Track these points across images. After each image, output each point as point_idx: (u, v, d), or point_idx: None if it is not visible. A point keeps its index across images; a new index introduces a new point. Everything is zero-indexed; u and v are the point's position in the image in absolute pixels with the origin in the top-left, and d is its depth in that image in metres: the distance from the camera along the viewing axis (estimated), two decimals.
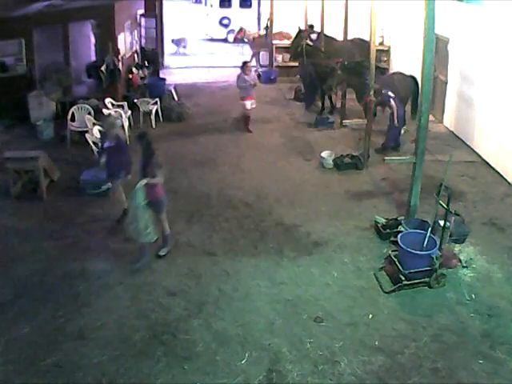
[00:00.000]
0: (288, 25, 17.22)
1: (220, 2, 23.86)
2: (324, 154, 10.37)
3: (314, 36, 15.23)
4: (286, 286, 6.64)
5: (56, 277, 6.78)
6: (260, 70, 18.14)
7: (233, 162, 10.62)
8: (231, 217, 8.37)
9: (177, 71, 19.20)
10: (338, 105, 12.99)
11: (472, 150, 10.87)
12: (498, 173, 9.81)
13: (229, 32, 18.66)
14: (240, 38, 18.20)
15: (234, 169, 10.28)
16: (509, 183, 9.45)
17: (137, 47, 16.55)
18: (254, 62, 18.05)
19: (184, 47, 20.56)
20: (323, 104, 13.48)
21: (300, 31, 15.72)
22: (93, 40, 13.98)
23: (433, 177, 9.20)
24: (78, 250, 7.43)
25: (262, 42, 18.74)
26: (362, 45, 13.41)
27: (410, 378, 5.22)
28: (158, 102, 12.99)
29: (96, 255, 7.29)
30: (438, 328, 5.91)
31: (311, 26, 15.72)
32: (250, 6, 23.19)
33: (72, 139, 11.10)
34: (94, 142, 9.90)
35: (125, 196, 7.89)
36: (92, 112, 11.15)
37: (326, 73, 12.47)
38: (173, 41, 21.01)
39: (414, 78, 11.23)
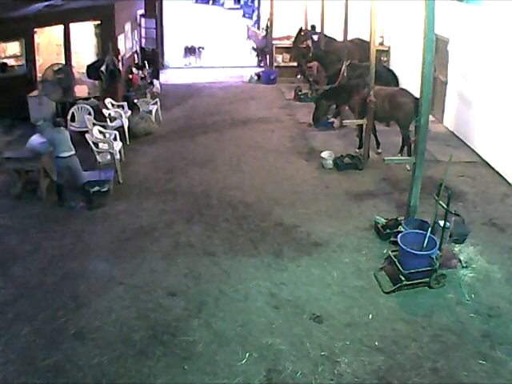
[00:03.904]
0: (288, 25, 17.22)
1: None
2: (324, 154, 10.36)
3: (315, 37, 15.25)
4: (286, 286, 6.63)
5: (56, 277, 6.78)
6: (261, 69, 18.17)
7: (233, 162, 10.62)
8: (231, 217, 8.37)
9: (177, 71, 19.22)
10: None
11: (472, 150, 10.87)
12: (498, 173, 9.80)
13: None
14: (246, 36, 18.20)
15: (234, 169, 10.28)
16: (509, 183, 9.44)
17: (137, 47, 16.55)
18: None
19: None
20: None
21: (299, 32, 15.76)
22: (93, 40, 13.97)
23: (433, 177, 9.20)
24: (78, 250, 7.43)
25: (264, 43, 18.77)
26: (362, 45, 13.42)
27: (409, 378, 5.21)
28: (159, 103, 13.00)
29: (96, 255, 7.29)
30: (438, 328, 5.90)
31: (313, 27, 15.72)
32: None
33: (72, 139, 11.07)
34: (93, 143, 9.89)
35: None
36: (92, 112, 11.14)
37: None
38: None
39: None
